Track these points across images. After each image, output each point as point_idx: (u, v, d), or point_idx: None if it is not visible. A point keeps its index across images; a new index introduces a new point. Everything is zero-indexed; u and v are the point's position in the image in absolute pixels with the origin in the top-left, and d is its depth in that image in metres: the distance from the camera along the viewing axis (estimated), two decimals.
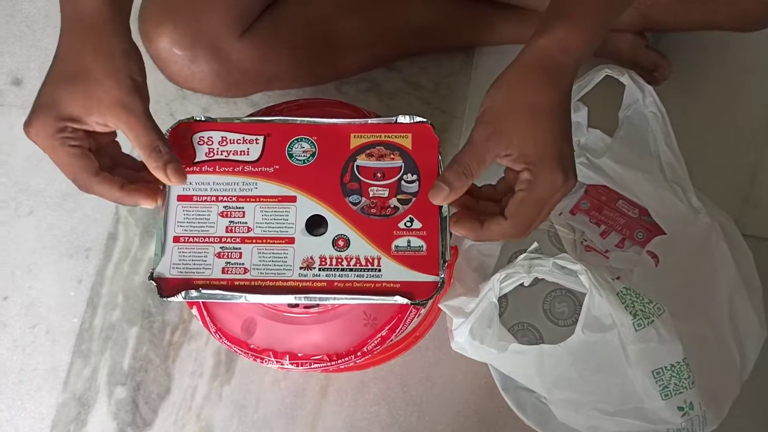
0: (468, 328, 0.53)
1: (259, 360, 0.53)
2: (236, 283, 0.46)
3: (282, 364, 0.53)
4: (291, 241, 0.47)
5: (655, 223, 0.64)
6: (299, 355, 0.53)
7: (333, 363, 0.53)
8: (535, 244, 0.53)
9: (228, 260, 0.46)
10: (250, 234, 0.47)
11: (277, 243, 0.47)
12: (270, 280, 0.46)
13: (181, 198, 0.48)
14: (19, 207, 0.78)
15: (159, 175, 0.46)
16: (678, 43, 0.78)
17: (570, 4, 0.46)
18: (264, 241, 0.47)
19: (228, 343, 0.54)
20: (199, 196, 0.48)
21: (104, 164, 0.46)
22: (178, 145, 0.49)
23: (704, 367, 0.54)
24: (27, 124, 0.45)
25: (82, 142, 0.45)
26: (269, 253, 0.46)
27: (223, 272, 0.46)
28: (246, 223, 0.47)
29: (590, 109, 0.63)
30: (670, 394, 0.52)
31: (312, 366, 0.53)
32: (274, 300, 0.46)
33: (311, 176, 0.48)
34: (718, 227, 0.58)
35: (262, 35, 0.68)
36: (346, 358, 0.53)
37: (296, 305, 0.51)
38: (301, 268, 0.46)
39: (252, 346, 0.53)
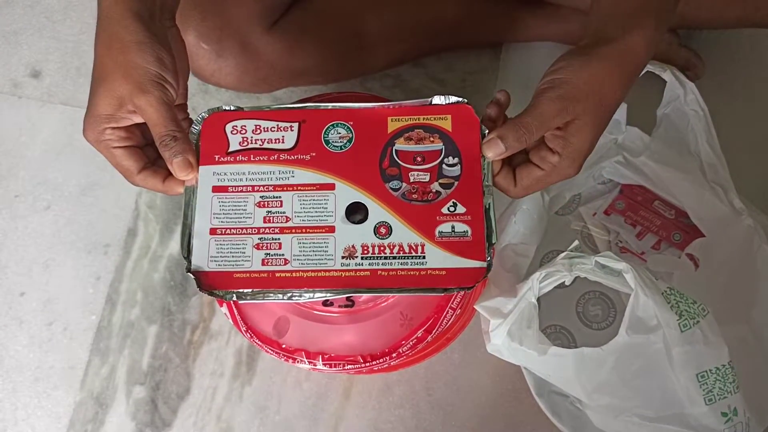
0: (506, 329, 0.52)
1: (290, 360, 0.51)
2: (277, 274, 0.44)
3: (314, 365, 0.51)
4: (331, 229, 0.45)
5: (693, 224, 0.62)
6: (332, 355, 0.51)
7: (367, 364, 0.51)
8: (575, 242, 0.52)
9: (267, 251, 0.45)
10: (289, 224, 0.45)
11: (317, 232, 0.45)
12: (312, 271, 0.44)
13: (216, 189, 0.47)
14: (37, 201, 0.77)
15: (169, 167, 0.46)
16: (708, 42, 0.77)
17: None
18: (304, 230, 0.45)
19: (259, 342, 0.52)
20: (235, 186, 0.47)
21: (151, 155, 0.47)
22: (211, 135, 0.48)
23: (746, 372, 0.53)
24: (83, 132, 0.46)
25: (125, 142, 0.45)
26: (310, 243, 0.45)
27: (263, 264, 0.45)
28: (284, 212, 0.46)
29: (627, 106, 0.61)
30: (714, 398, 0.51)
31: (345, 367, 0.51)
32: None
33: (349, 162, 0.47)
34: (761, 230, 0.57)
35: (291, 29, 0.66)
36: (381, 360, 0.51)
37: (331, 303, 0.50)
38: (343, 257, 0.45)
39: (284, 346, 0.52)
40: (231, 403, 0.68)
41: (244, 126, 0.48)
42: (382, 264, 0.44)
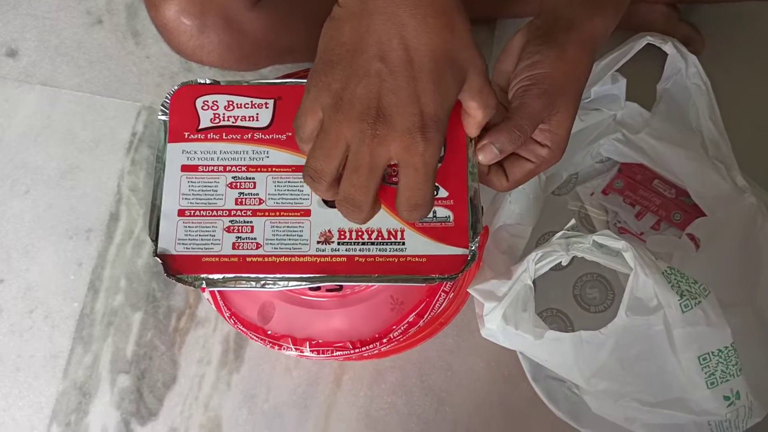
0: (501, 312, 0.50)
1: (276, 347, 0.50)
2: (248, 259, 0.42)
3: (301, 352, 0.49)
4: (307, 213, 0.43)
5: (693, 204, 0.61)
6: (320, 341, 0.49)
7: (356, 351, 0.49)
8: (572, 221, 0.50)
9: (238, 235, 0.43)
10: (262, 206, 0.43)
11: (291, 215, 0.43)
12: (285, 256, 0.42)
13: (185, 168, 0.44)
14: (15, 185, 0.74)
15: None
16: (708, 16, 0.75)
17: None
18: (277, 213, 0.43)
19: (243, 329, 0.50)
20: (205, 165, 0.44)
21: None
22: (180, 110, 0.45)
23: (749, 355, 0.51)
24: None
25: None
26: (283, 227, 0.43)
27: (233, 248, 0.42)
28: (257, 194, 0.43)
29: (626, 81, 0.59)
30: (716, 382, 0.49)
31: (334, 354, 0.49)
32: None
33: None
34: (764, 208, 0.55)
35: (277, 5, 0.63)
36: (371, 345, 0.49)
37: (318, 288, 0.48)
38: (318, 242, 0.42)
39: (269, 333, 0.50)
40: (219, 392, 0.67)
41: (216, 101, 0.45)
42: (360, 250, 0.42)
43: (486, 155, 0.43)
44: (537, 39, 0.45)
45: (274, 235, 0.43)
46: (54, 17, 0.79)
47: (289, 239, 0.43)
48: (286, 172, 0.44)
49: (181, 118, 0.45)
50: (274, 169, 0.44)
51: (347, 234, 0.42)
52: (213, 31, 0.61)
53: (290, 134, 0.44)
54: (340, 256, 0.42)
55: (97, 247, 0.72)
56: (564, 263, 0.50)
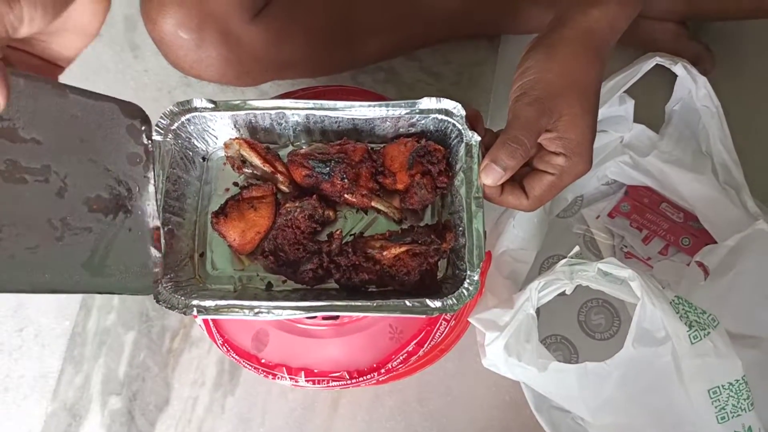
0: (503, 343, 0.48)
1: (270, 376, 0.48)
2: None
3: (296, 381, 0.47)
4: None
5: (703, 228, 0.59)
6: (315, 371, 0.47)
7: (353, 381, 0.47)
8: (576, 248, 0.48)
9: None
10: None
11: None
12: None
13: None
14: None
15: None
16: (719, 34, 0.73)
17: None
18: None
19: (236, 357, 0.48)
20: None
21: None
22: None
23: (760, 388, 0.49)
24: None
25: None
26: None
27: None
28: None
29: (635, 102, 0.57)
30: (726, 416, 0.47)
31: (330, 384, 0.47)
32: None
33: None
34: None
35: (277, 18, 0.62)
36: (368, 376, 0.47)
37: (314, 316, 0.46)
38: None
39: (263, 361, 0.48)
40: (212, 415, 0.65)
41: None
42: None
43: (490, 176, 0.42)
44: (533, 47, 0.44)
45: None
46: None
47: None
48: None
49: None
50: None
51: None
52: (211, 45, 0.59)
53: None
54: None
55: None
56: (568, 292, 0.48)
